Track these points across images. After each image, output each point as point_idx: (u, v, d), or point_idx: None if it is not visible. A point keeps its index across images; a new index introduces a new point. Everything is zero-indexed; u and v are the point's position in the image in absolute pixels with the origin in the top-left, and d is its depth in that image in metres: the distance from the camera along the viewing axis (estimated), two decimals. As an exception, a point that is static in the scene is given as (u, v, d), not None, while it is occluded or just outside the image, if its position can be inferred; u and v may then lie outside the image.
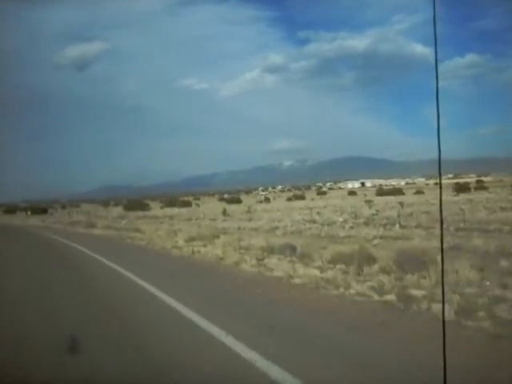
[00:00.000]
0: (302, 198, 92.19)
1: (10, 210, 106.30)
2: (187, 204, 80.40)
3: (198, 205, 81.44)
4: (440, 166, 2.87)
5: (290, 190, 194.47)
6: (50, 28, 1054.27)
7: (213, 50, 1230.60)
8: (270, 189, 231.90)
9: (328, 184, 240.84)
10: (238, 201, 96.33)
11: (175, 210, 64.23)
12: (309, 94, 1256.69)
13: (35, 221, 57.50)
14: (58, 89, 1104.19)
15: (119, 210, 76.77)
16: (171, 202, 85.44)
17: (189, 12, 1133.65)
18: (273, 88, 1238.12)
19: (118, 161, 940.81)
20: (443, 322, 3.00)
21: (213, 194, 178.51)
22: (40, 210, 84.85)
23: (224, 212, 41.66)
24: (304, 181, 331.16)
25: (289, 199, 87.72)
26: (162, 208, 77.29)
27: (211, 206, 72.45)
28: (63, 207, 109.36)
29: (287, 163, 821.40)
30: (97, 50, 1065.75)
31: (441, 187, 3.12)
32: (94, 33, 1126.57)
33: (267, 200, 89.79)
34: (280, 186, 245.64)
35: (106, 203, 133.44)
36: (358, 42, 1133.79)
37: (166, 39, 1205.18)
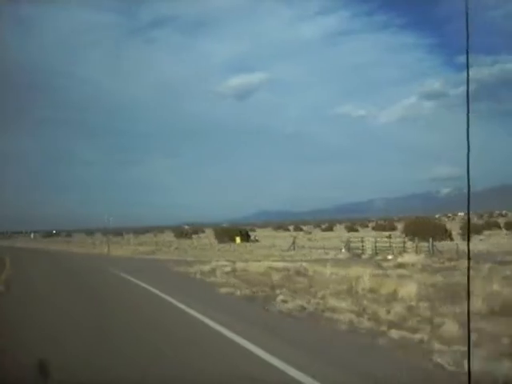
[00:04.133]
0: None
1: (181, 234, 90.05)
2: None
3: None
4: (469, 199, 3.18)
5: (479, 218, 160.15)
6: (214, 60, 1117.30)
7: (370, 78, 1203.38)
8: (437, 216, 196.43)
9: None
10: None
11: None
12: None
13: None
14: (220, 117, 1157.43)
15: (343, 234, 51.91)
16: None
17: (346, 41, 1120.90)
18: (430, 114, 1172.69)
19: (274, 186, 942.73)
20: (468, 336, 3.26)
21: (374, 221, 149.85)
22: (228, 235, 65.32)
23: None
24: (462, 209, 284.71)
25: None
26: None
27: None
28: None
29: (445, 191, 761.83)
30: (257, 80, 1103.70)
31: (469, 221, 3.78)
32: (256, 64, 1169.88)
33: None
34: (461, 213, 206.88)
35: (278, 227, 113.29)
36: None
37: (323, 68, 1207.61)
